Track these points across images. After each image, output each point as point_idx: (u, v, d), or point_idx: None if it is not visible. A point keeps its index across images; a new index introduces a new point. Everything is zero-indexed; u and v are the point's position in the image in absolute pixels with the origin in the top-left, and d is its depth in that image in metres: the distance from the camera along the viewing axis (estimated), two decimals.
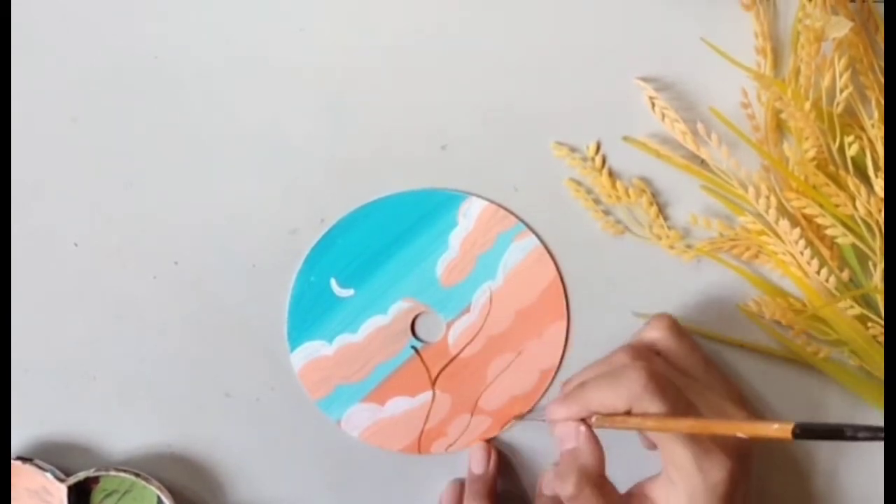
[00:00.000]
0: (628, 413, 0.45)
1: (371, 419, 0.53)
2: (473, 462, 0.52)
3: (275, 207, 0.53)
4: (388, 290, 0.53)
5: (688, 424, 0.44)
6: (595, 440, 0.47)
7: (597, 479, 0.46)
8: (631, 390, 0.44)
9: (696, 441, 0.44)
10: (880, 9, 0.52)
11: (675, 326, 0.49)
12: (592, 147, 0.53)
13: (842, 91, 0.50)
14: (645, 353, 0.48)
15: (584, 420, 0.47)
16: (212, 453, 0.53)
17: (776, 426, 0.38)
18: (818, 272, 0.51)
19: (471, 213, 0.53)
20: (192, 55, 0.53)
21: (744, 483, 0.46)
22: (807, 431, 0.37)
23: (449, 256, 0.53)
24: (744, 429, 0.40)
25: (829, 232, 0.51)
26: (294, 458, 0.53)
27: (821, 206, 0.50)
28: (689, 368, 0.49)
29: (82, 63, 0.53)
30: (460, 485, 0.53)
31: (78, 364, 0.53)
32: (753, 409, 0.50)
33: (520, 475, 0.54)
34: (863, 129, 0.51)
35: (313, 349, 0.53)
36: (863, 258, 0.51)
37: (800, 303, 0.52)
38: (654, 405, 0.44)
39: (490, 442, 0.53)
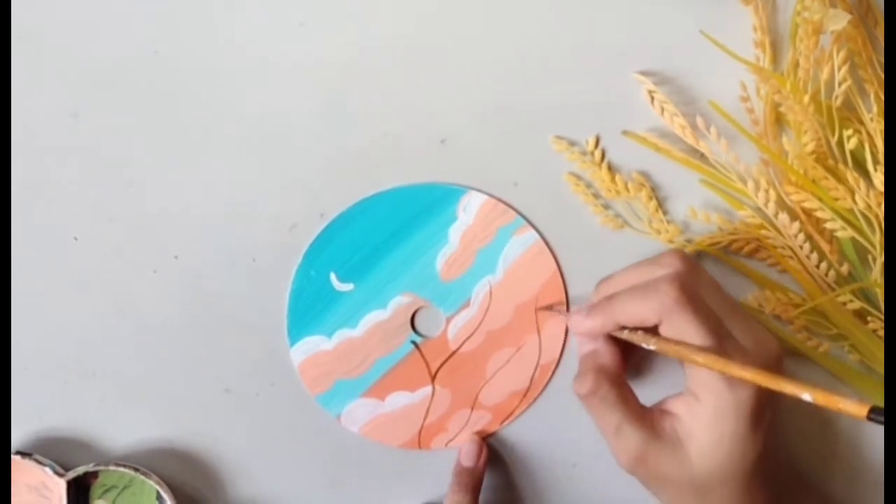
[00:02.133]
0: (656, 332, 0.44)
1: (371, 414, 0.53)
2: (464, 455, 0.52)
3: (274, 202, 0.53)
4: (387, 285, 0.53)
5: (747, 373, 0.41)
6: (615, 343, 0.46)
7: (615, 378, 0.45)
8: (665, 307, 0.43)
9: (723, 357, 0.43)
10: (879, 2, 0.52)
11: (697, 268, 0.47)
12: (592, 141, 0.53)
13: (840, 84, 0.50)
14: (689, 263, 0.46)
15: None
16: (211, 448, 0.53)
17: (850, 403, 0.37)
18: (817, 266, 0.51)
19: (470, 207, 0.53)
20: (191, 50, 0.53)
21: (770, 408, 0.45)
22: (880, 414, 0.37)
23: (449, 251, 0.53)
24: (816, 395, 0.39)
25: (828, 226, 0.51)
26: (294, 453, 0.53)
27: (820, 199, 0.51)
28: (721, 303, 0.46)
29: (82, 58, 0.53)
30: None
31: (77, 359, 0.53)
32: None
33: (513, 470, 0.54)
34: (862, 122, 0.51)
35: (313, 344, 0.53)
36: (862, 252, 0.51)
37: (799, 297, 0.52)
38: (687, 326, 0.43)
39: (484, 438, 0.54)
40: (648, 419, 0.46)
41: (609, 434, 0.46)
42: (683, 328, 0.43)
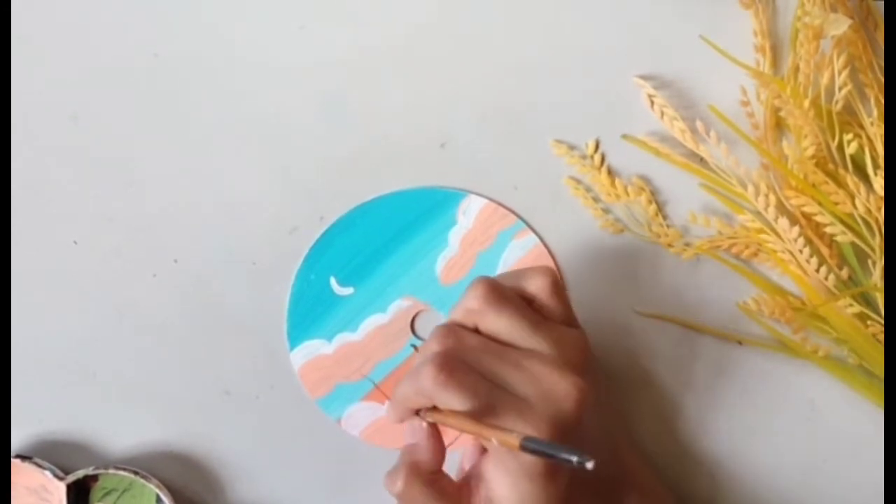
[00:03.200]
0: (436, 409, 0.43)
1: (371, 418, 0.53)
2: (466, 459, 0.52)
3: (274, 206, 0.53)
4: (387, 289, 0.53)
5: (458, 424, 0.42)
6: (432, 434, 0.45)
7: (427, 476, 0.44)
8: (424, 386, 0.42)
9: (492, 419, 0.42)
10: (879, 6, 0.52)
11: (491, 291, 0.44)
12: (591, 145, 0.53)
13: (841, 89, 0.50)
14: (454, 334, 0.44)
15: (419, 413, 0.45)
16: (211, 452, 0.53)
17: (505, 435, 0.40)
18: (817, 270, 0.51)
19: (470, 211, 0.53)
20: (191, 53, 0.53)
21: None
22: (531, 445, 0.39)
23: (449, 254, 0.53)
24: (482, 432, 0.41)
25: (828, 230, 0.51)
26: (294, 456, 0.53)
27: (820, 204, 0.50)
28: (511, 341, 0.44)
29: (82, 60, 0.53)
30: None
31: (77, 362, 0.53)
32: (598, 371, 0.47)
33: None
34: (862, 127, 0.51)
35: (313, 348, 0.53)
36: (862, 256, 0.51)
37: (799, 301, 0.52)
38: (452, 400, 0.41)
39: None
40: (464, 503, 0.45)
41: None
42: (449, 403, 0.42)
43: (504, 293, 0.44)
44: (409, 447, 0.45)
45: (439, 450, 0.45)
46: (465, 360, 0.43)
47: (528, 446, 0.39)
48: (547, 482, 0.42)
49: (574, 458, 0.38)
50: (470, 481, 0.45)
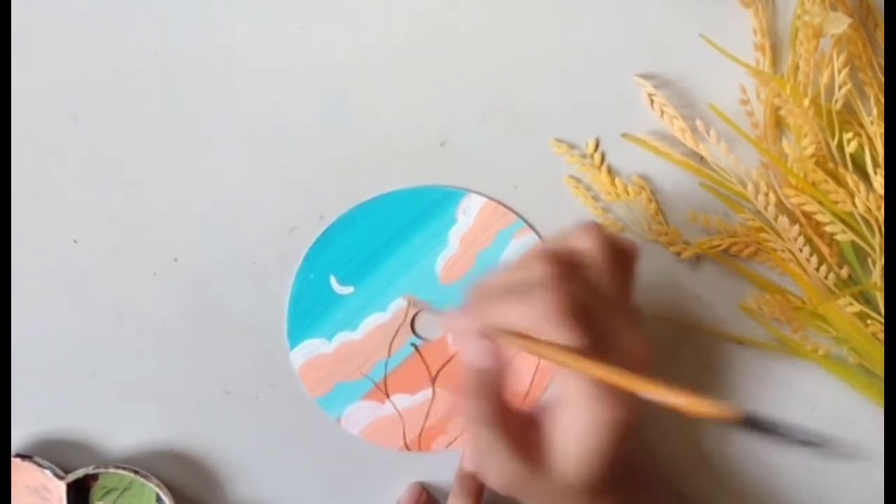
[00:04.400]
0: (530, 337, 0.41)
1: (371, 417, 0.53)
2: (467, 460, 0.52)
3: (274, 205, 0.53)
4: (387, 288, 0.53)
5: (616, 377, 0.38)
6: (495, 357, 0.43)
7: (495, 399, 0.43)
8: (539, 312, 0.40)
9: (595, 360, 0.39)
10: (879, 5, 0.52)
11: (608, 239, 0.43)
12: (591, 144, 0.53)
13: (840, 88, 0.50)
14: (566, 265, 0.42)
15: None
16: (211, 451, 0.53)
17: (717, 407, 0.35)
18: (817, 269, 0.51)
19: (470, 210, 0.53)
20: (191, 52, 0.53)
21: (638, 415, 0.42)
22: (750, 422, 0.34)
23: (448, 253, 0.53)
24: (685, 404, 0.36)
25: (828, 229, 0.51)
26: (294, 456, 0.53)
27: (820, 202, 0.51)
28: (611, 289, 0.43)
29: (82, 60, 0.53)
30: (419, 488, 0.53)
31: (77, 361, 0.53)
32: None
33: None
34: (862, 125, 0.51)
35: (313, 347, 0.53)
36: (862, 255, 0.51)
37: (799, 300, 0.52)
38: (561, 335, 0.40)
39: None
40: (526, 442, 0.42)
41: (486, 458, 0.43)
42: (555, 334, 0.40)
43: (613, 241, 0.43)
44: (476, 374, 0.43)
45: (503, 373, 0.43)
46: (571, 293, 0.41)
47: (752, 419, 0.34)
48: (617, 442, 0.41)
49: (817, 439, 0.33)
50: (531, 430, 0.43)
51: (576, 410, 0.41)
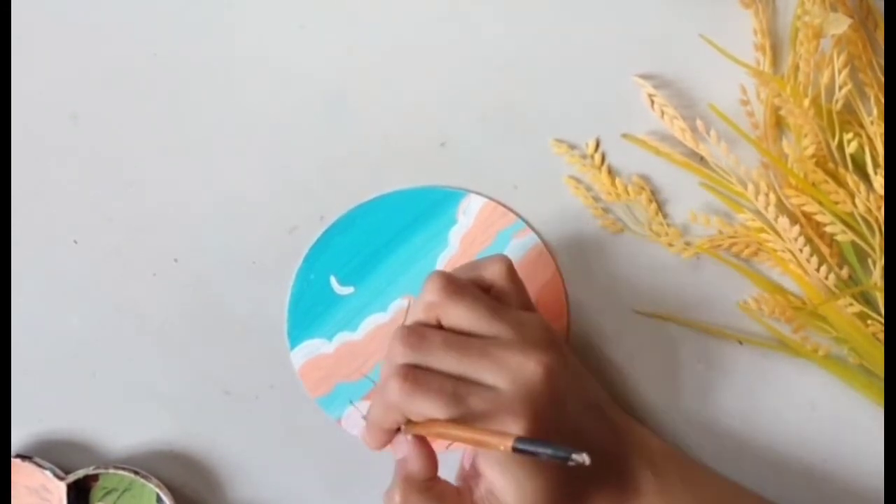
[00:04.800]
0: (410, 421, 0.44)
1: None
2: (466, 459, 0.52)
3: (274, 205, 0.53)
4: (387, 288, 0.53)
5: (435, 432, 0.43)
6: (420, 445, 0.45)
7: (422, 485, 0.45)
8: (393, 401, 0.43)
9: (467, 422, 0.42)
10: (879, 6, 0.52)
11: (447, 285, 0.45)
12: (592, 144, 0.53)
13: (841, 88, 0.50)
14: (414, 334, 0.44)
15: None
16: (211, 451, 0.53)
17: (496, 439, 0.40)
18: (817, 269, 0.51)
19: (470, 210, 0.53)
20: (191, 52, 0.53)
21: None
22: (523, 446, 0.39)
23: (449, 254, 0.53)
24: (467, 437, 0.41)
25: (828, 229, 0.51)
26: (294, 456, 0.53)
27: (820, 203, 0.50)
28: (472, 330, 0.45)
29: (82, 60, 0.53)
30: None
31: (77, 361, 0.53)
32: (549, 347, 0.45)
33: None
34: (862, 126, 0.51)
35: (313, 347, 0.53)
36: (862, 255, 0.51)
37: (799, 300, 0.52)
38: (423, 407, 0.42)
39: None
40: None
41: None
42: (422, 412, 0.43)
43: (460, 283, 0.45)
44: (400, 462, 0.46)
45: (430, 458, 0.46)
46: (427, 362, 0.44)
47: (519, 448, 0.39)
48: (540, 465, 0.42)
49: (568, 455, 0.38)
50: (469, 480, 0.46)
51: (490, 475, 0.43)
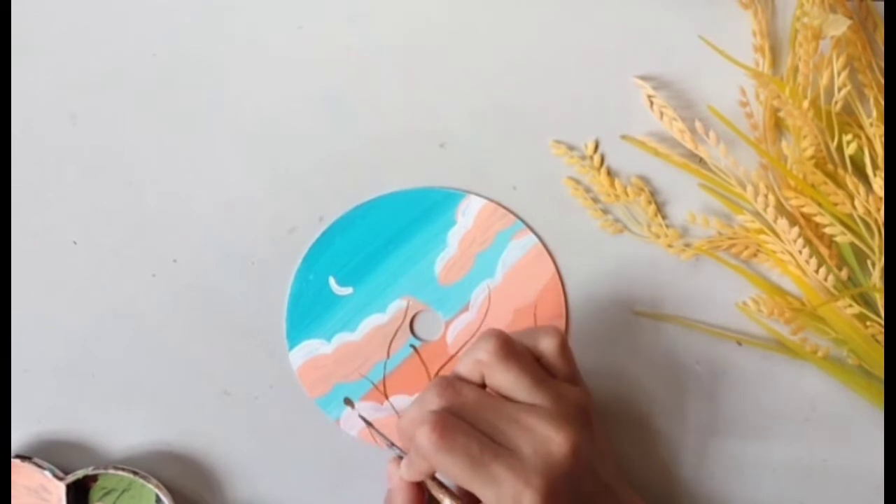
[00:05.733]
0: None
1: (370, 418, 0.53)
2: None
3: (273, 206, 0.53)
4: (386, 289, 0.53)
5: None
6: (407, 487, 0.47)
7: None
8: (422, 447, 0.44)
9: (500, 487, 0.43)
10: (879, 7, 0.52)
11: (502, 346, 0.46)
12: (591, 145, 0.53)
13: (840, 89, 0.50)
14: (452, 387, 0.46)
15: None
16: (210, 451, 0.53)
17: None
18: (817, 271, 0.51)
19: (469, 211, 0.53)
20: (190, 53, 0.53)
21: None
22: None
23: (448, 255, 0.53)
24: None
25: (827, 230, 0.51)
26: (293, 456, 0.53)
27: (819, 204, 0.50)
28: (513, 395, 0.46)
29: (81, 60, 0.53)
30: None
31: (76, 362, 0.53)
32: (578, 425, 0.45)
33: None
34: (861, 127, 0.51)
35: (312, 347, 0.53)
36: (861, 257, 0.51)
37: (798, 301, 0.52)
38: (447, 461, 0.43)
39: None
40: None
41: None
42: (444, 465, 0.43)
43: (515, 348, 0.46)
44: (388, 492, 0.48)
45: (416, 494, 0.47)
46: (461, 415, 0.44)
47: None
48: None
49: None
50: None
51: None
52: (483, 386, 0.46)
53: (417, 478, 0.47)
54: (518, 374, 0.45)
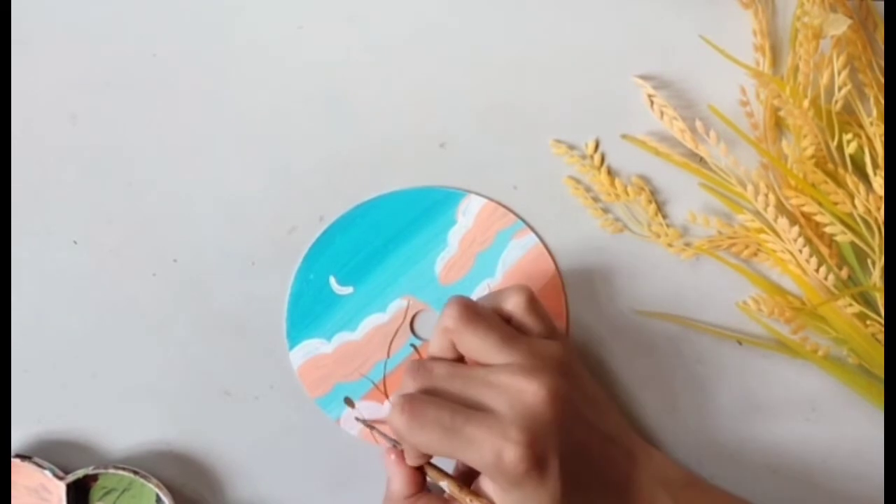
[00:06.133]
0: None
1: (370, 417, 0.53)
2: None
3: (274, 205, 0.53)
4: (386, 288, 0.53)
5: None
6: (398, 465, 0.48)
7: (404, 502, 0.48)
8: (397, 430, 0.44)
9: (479, 448, 0.43)
10: (879, 6, 0.52)
11: (466, 313, 0.46)
12: (591, 145, 0.53)
13: (840, 89, 0.50)
14: (421, 367, 0.46)
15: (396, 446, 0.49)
16: (211, 451, 0.53)
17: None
18: (817, 270, 0.51)
19: (470, 210, 0.53)
20: (190, 53, 0.53)
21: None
22: None
23: (448, 254, 0.53)
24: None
25: (827, 230, 0.51)
26: (293, 456, 0.53)
27: (819, 203, 0.50)
28: (483, 357, 0.46)
29: (81, 60, 0.53)
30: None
31: (77, 362, 0.53)
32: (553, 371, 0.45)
33: None
34: (861, 126, 0.51)
35: (312, 347, 0.53)
36: (862, 256, 0.51)
37: (798, 300, 0.52)
38: (421, 437, 0.44)
39: None
40: None
41: None
42: (420, 441, 0.44)
43: (478, 311, 0.46)
44: (387, 481, 0.49)
45: (411, 477, 0.48)
46: (434, 391, 0.45)
47: None
48: (537, 484, 0.43)
49: None
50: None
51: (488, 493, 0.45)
52: (459, 359, 0.46)
53: (414, 463, 0.47)
54: (485, 334, 0.45)
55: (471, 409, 0.44)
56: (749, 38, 0.53)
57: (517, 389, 0.43)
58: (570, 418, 0.44)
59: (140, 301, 0.53)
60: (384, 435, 0.51)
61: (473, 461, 0.43)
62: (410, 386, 0.45)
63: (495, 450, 0.42)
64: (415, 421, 0.43)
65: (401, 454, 0.48)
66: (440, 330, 0.46)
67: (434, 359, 0.47)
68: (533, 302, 0.47)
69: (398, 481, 0.48)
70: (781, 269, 0.52)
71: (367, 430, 0.52)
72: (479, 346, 0.45)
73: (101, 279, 0.53)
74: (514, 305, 0.47)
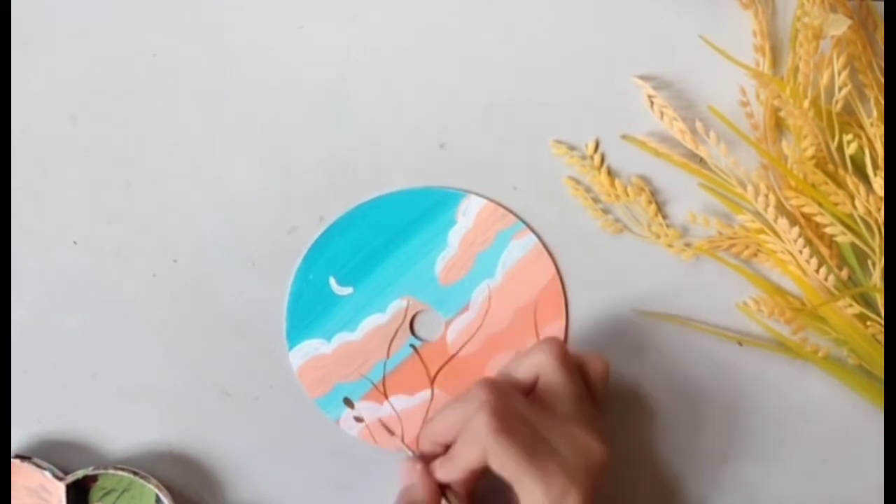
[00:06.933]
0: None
1: (370, 418, 0.53)
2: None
3: (273, 205, 0.53)
4: (386, 289, 0.53)
5: None
6: (428, 476, 0.48)
7: None
8: (476, 431, 0.45)
9: (550, 481, 0.44)
10: (879, 7, 0.52)
11: (562, 354, 0.48)
12: (591, 145, 0.53)
13: (840, 89, 0.50)
14: (501, 386, 0.47)
15: (422, 457, 0.49)
16: (210, 452, 0.53)
17: None
18: (817, 271, 0.51)
19: (470, 211, 0.53)
20: (190, 53, 0.53)
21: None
22: None
23: (448, 255, 0.53)
24: None
25: (827, 230, 0.51)
26: (293, 456, 0.53)
27: (819, 204, 0.50)
28: (558, 401, 0.47)
29: (81, 61, 0.53)
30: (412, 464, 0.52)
31: (77, 361, 0.53)
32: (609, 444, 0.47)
33: None
34: (861, 127, 0.51)
35: (312, 347, 0.53)
36: (862, 257, 0.51)
37: (799, 301, 0.52)
38: (501, 446, 0.44)
39: None
40: None
41: None
42: (502, 459, 0.44)
43: (570, 358, 0.48)
44: (405, 489, 0.48)
45: (434, 490, 0.48)
46: (509, 415, 0.45)
47: None
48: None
49: None
50: None
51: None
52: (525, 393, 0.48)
53: (450, 479, 0.48)
54: (569, 380, 0.47)
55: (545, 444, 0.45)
56: (749, 39, 0.53)
57: (586, 443, 0.45)
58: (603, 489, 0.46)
59: (140, 301, 0.53)
60: (398, 437, 0.51)
61: (534, 492, 0.44)
62: (488, 398, 0.46)
63: (563, 488, 0.44)
64: (504, 427, 0.44)
65: (426, 466, 0.48)
66: (528, 360, 0.48)
67: (511, 384, 0.48)
68: (607, 377, 0.49)
69: (423, 491, 0.48)
70: (781, 270, 0.52)
71: (368, 430, 0.52)
72: (562, 385, 0.47)
73: (101, 279, 0.53)
74: (594, 374, 0.49)
